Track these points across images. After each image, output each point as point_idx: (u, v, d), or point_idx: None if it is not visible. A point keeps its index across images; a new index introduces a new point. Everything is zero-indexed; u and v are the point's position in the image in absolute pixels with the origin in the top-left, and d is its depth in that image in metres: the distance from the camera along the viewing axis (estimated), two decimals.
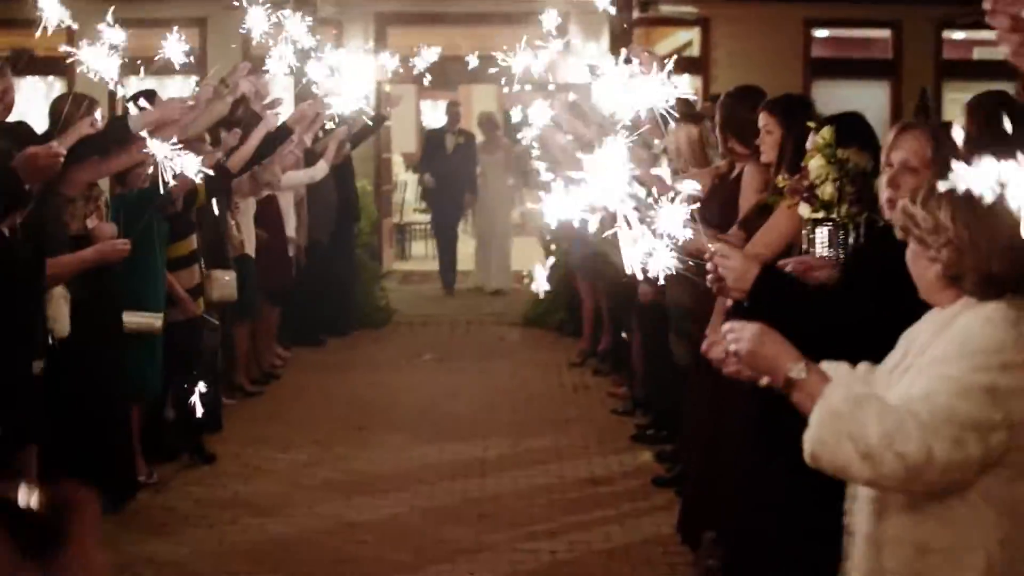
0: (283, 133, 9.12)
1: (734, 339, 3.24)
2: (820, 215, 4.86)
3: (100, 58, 6.11)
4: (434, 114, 24.06)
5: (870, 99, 14.76)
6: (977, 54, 17.00)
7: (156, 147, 5.80)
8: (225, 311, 9.43)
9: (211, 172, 5.67)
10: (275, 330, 11.67)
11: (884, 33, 16.37)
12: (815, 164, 4.87)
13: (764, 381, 3.21)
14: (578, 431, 9.55)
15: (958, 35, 16.52)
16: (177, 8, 13.82)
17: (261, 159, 9.22)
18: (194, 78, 11.75)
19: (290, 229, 11.46)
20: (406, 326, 14.11)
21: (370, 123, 12.92)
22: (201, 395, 8.72)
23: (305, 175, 11.46)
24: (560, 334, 13.53)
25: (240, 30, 7.44)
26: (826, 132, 4.90)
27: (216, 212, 8.78)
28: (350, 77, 12.14)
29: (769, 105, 6.05)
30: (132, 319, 7.67)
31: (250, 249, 10.14)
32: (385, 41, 15.94)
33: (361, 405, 10.37)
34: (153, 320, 7.78)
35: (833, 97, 12.04)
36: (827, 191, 4.82)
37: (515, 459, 8.76)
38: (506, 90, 10.42)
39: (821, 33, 16.53)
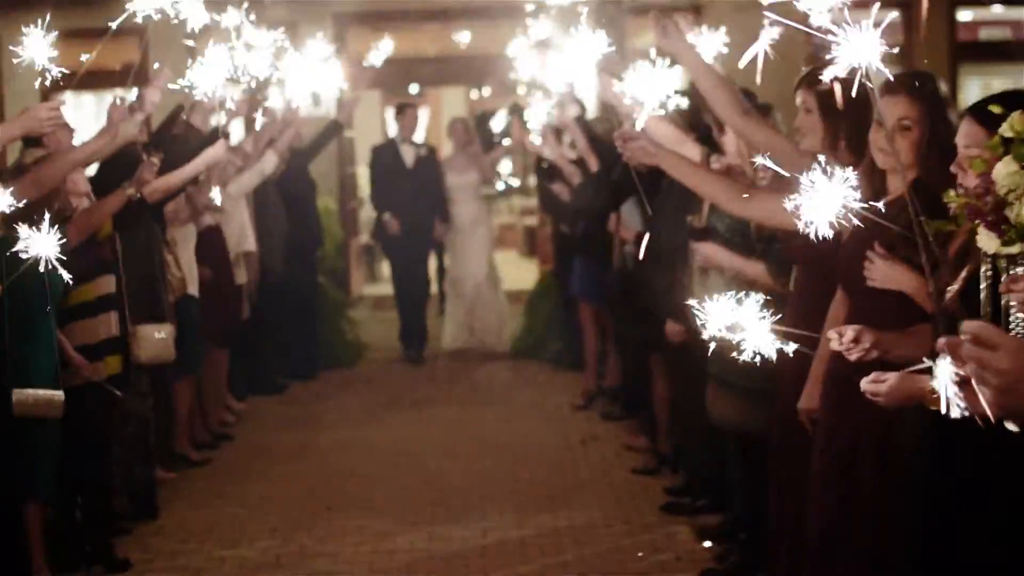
0: (215, 140, 7.47)
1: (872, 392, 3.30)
2: (1016, 249, 3.14)
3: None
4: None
5: None
6: (984, 35, 15.72)
7: None
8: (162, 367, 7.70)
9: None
10: (225, 379, 9.89)
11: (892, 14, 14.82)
12: (1005, 172, 3.15)
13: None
14: (594, 500, 7.81)
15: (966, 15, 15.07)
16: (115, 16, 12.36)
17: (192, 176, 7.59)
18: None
19: (250, 242, 9.77)
20: (380, 364, 12.33)
21: (327, 131, 11.31)
22: (126, 479, 7.09)
23: (253, 175, 9.82)
24: (557, 367, 11.82)
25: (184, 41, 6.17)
26: (1019, 120, 3.18)
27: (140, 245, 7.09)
28: (304, 82, 10.60)
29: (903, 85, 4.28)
30: (23, 398, 5.93)
31: (192, 288, 8.42)
32: (344, 44, 14.32)
33: (330, 474, 8.57)
34: (51, 397, 6.03)
35: None
36: None
37: (522, 545, 7.01)
38: (483, 93, 8.96)
39: None
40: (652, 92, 5.69)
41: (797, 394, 4.84)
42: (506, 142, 14.27)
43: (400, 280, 12.76)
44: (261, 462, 8.88)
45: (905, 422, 3.76)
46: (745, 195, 4.68)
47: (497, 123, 15.89)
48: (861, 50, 2.89)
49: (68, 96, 14.44)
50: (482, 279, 12.68)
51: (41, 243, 4.14)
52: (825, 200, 3.01)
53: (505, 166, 11.87)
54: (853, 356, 3.75)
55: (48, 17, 5.13)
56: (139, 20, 5.63)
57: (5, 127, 5.37)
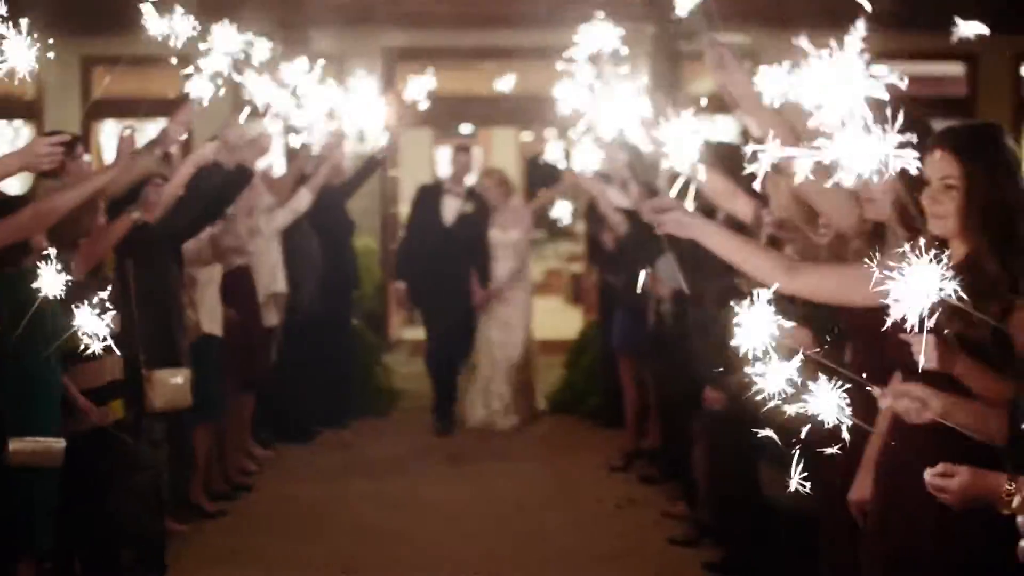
0: (243, 176, 7.12)
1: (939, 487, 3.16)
2: None
3: None
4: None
5: None
6: None
7: None
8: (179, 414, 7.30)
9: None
10: (249, 425, 9.49)
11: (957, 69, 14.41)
12: None
13: None
14: (629, 573, 7.37)
15: None
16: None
17: (218, 212, 7.22)
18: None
19: (281, 283, 9.40)
20: (415, 412, 11.80)
21: (365, 168, 10.95)
22: (133, 532, 6.70)
23: (287, 212, 9.48)
24: (597, 424, 11.34)
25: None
26: None
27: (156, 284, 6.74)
28: (348, 117, 10.30)
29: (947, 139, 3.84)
30: (21, 446, 5.55)
31: (213, 328, 8.05)
32: (393, 80, 14.00)
33: (352, 532, 8.13)
34: (50, 446, 5.65)
35: None
36: None
37: None
38: (535, 135, 8.64)
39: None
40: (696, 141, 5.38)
41: (848, 480, 4.40)
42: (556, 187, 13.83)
43: (434, 349, 11.47)
44: (281, 516, 8.48)
45: (969, 521, 3.36)
46: (791, 270, 4.23)
47: (548, 166, 15.47)
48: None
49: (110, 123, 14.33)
50: (515, 354, 11.38)
51: (49, 280, 3.87)
52: (918, 286, 2.59)
53: (559, 209, 11.17)
54: (916, 417, 3.34)
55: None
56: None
57: (5, 160, 5.02)
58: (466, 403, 11.52)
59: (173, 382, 6.90)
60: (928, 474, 3.24)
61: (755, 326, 5.61)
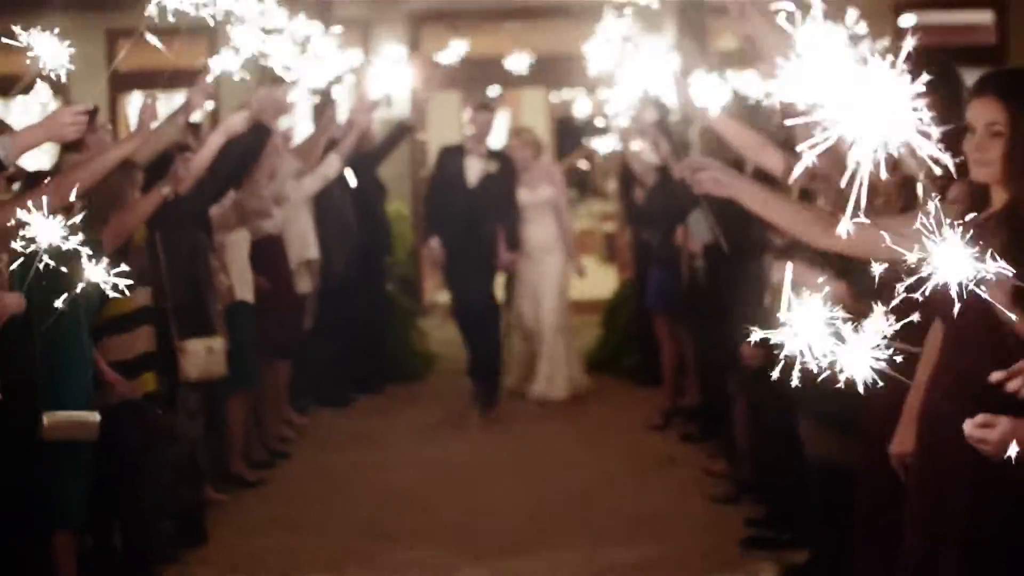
0: (261, 136, 7.04)
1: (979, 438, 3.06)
2: None
3: None
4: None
5: None
6: None
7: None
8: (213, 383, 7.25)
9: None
10: (285, 392, 9.46)
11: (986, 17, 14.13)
12: None
13: None
14: (671, 532, 7.28)
15: None
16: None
17: (239, 175, 7.15)
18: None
19: (312, 250, 9.34)
20: (450, 376, 11.74)
21: (395, 133, 10.88)
22: (172, 503, 6.68)
23: (315, 179, 9.41)
24: (634, 383, 11.27)
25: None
26: None
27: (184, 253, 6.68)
28: (375, 82, 10.22)
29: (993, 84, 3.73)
30: (56, 420, 5.52)
31: (245, 294, 8.00)
32: (419, 44, 13.90)
33: (390, 497, 8.10)
34: (85, 419, 5.62)
35: None
36: None
37: None
38: (563, 95, 8.48)
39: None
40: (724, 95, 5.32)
41: (888, 433, 4.30)
42: (589, 145, 13.71)
43: (464, 314, 10.80)
44: (318, 483, 8.45)
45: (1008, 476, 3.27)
46: (828, 226, 4.13)
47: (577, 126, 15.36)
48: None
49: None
50: (550, 324, 10.94)
51: (43, 229, 3.76)
52: (956, 260, 2.51)
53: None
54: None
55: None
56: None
57: (27, 132, 4.95)
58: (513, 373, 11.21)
59: (206, 351, 6.86)
60: (968, 425, 3.15)
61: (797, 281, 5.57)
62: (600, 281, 15.62)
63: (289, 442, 9.33)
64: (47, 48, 4.41)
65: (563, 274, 11.16)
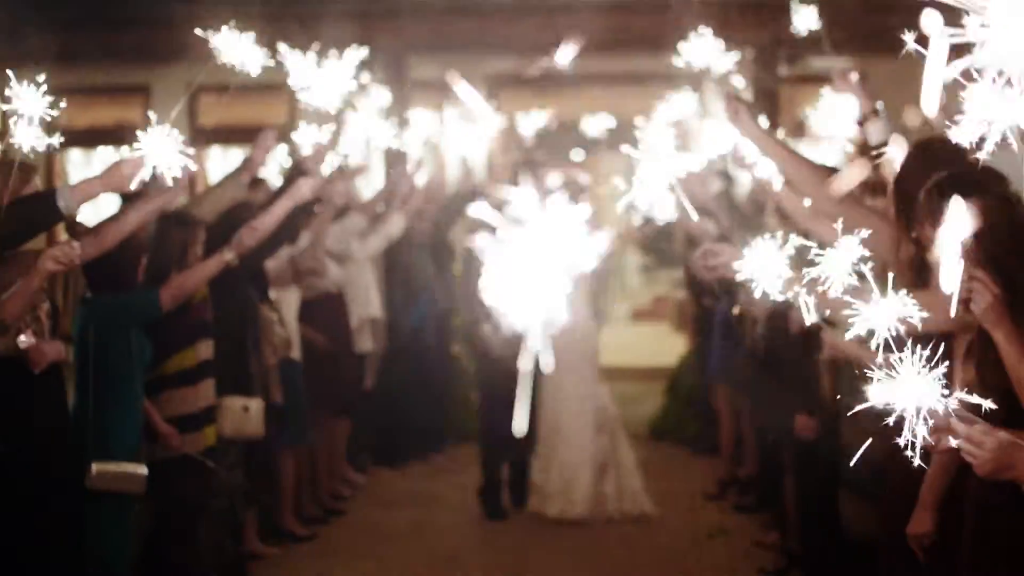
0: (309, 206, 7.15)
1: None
2: None
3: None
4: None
5: None
6: None
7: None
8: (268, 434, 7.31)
9: None
10: (342, 450, 9.51)
11: None
12: None
13: None
14: None
15: None
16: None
17: (293, 234, 7.27)
18: None
19: (375, 308, 9.40)
20: None
21: (460, 197, 10.95)
22: (215, 556, 6.73)
23: (379, 238, 9.49)
24: (694, 451, 11.22)
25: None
26: None
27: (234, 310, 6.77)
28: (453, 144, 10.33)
29: None
30: (104, 470, 5.63)
31: (294, 353, 8.07)
32: (498, 106, 13.96)
33: (442, 559, 8.15)
34: (133, 471, 5.73)
35: None
36: None
37: None
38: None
39: None
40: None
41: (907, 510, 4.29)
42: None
43: (487, 417, 9.36)
44: (370, 541, 8.49)
45: None
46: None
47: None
48: None
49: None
50: (584, 422, 9.16)
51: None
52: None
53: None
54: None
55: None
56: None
57: (86, 184, 5.05)
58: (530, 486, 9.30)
59: (242, 410, 6.89)
60: (961, 428, 3.07)
61: (838, 351, 5.57)
62: (671, 348, 15.57)
63: (344, 499, 9.37)
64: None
65: (595, 364, 9.55)
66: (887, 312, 2.97)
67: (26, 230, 4.95)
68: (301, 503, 8.65)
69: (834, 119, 8.89)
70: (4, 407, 5.14)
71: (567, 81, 14.73)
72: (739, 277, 4.07)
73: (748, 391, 9.10)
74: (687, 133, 9.61)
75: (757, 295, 3.52)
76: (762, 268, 3.49)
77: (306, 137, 7.20)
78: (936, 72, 3.21)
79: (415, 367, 10.48)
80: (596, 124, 13.13)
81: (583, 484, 8.98)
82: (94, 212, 6.63)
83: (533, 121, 11.60)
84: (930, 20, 3.15)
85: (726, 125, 5.57)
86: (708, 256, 4.53)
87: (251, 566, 7.46)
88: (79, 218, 5.79)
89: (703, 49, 7.73)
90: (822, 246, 5.70)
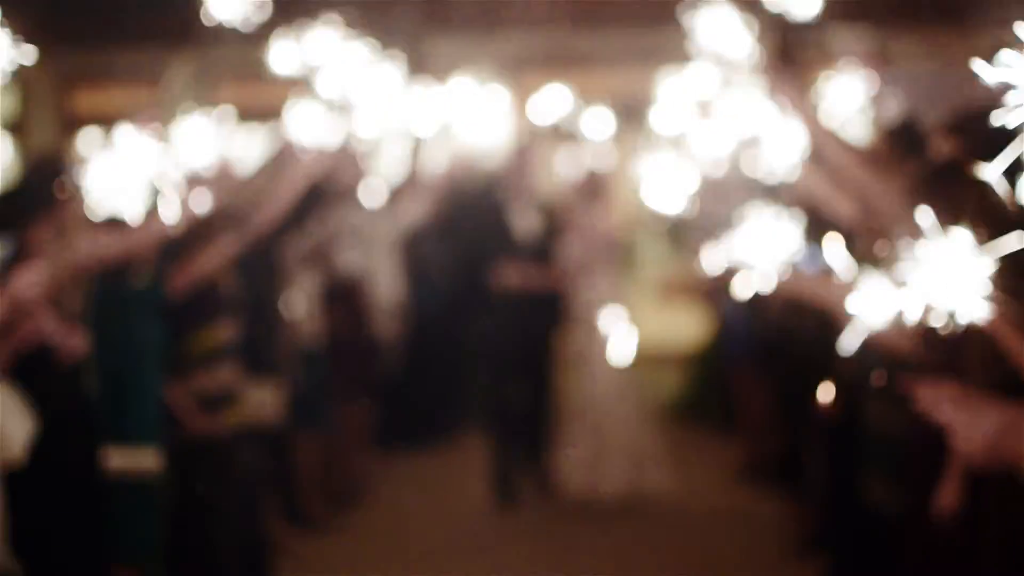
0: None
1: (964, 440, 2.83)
2: None
3: None
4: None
5: None
6: None
7: None
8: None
9: None
10: (362, 435, 9.49)
11: None
12: None
13: None
14: None
15: None
16: None
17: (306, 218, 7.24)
18: None
19: (394, 292, 9.42)
20: None
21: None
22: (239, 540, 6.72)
23: (401, 224, 9.44)
24: (718, 430, 11.18)
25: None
26: None
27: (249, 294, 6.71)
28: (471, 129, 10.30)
29: None
30: (119, 458, 5.60)
31: (313, 336, 8.06)
32: (517, 89, 13.91)
33: (463, 545, 8.22)
34: (149, 453, 5.72)
35: None
36: None
37: None
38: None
39: None
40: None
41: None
42: None
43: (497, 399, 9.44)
44: (391, 525, 8.56)
45: None
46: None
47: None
48: None
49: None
50: (611, 398, 9.10)
51: None
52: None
53: None
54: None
55: None
56: None
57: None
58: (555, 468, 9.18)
59: (258, 395, 6.88)
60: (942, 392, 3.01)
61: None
62: (694, 328, 15.55)
63: (364, 484, 9.36)
64: None
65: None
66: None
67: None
68: (322, 488, 8.64)
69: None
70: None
71: (583, 59, 14.73)
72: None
73: (772, 370, 9.09)
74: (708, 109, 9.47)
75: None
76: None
77: (315, 120, 7.15)
78: None
79: (435, 351, 10.49)
80: (614, 104, 13.02)
81: (610, 465, 8.91)
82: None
83: (550, 99, 11.48)
84: None
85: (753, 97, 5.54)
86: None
87: (273, 550, 7.44)
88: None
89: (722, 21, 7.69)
90: (838, 228, 5.69)
